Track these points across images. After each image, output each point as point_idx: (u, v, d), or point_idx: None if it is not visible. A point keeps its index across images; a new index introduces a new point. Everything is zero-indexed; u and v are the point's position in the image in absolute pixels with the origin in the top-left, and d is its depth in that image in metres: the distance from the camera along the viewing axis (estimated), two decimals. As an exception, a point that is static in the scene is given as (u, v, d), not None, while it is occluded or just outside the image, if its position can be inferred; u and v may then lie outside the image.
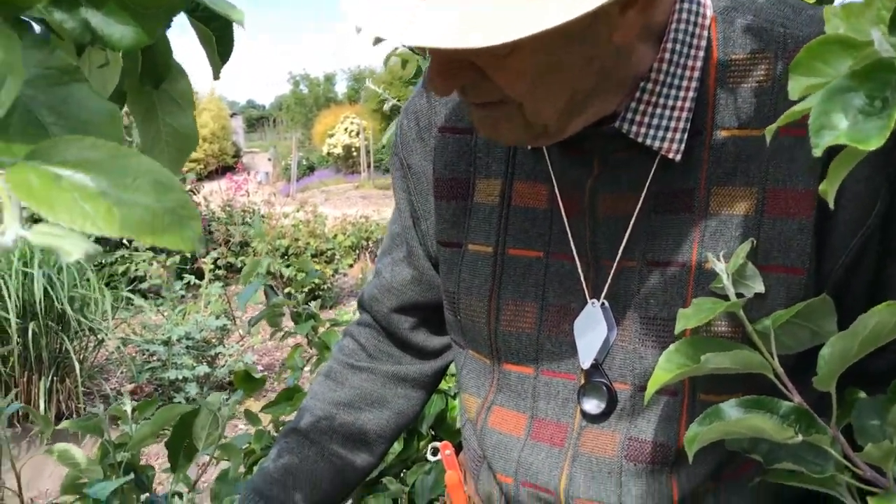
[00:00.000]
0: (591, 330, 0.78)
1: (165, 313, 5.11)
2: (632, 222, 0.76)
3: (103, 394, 4.41)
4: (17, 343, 3.93)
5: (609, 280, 0.78)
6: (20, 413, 3.95)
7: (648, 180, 0.75)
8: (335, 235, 7.53)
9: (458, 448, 1.00)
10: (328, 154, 23.22)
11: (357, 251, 8.14)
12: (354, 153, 21.64)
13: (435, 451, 0.99)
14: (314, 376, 1.22)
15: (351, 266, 7.62)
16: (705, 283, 0.73)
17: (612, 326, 0.78)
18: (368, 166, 20.19)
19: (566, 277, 0.80)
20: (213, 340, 4.75)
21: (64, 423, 1.15)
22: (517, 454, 0.82)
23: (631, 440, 0.77)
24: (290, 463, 0.94)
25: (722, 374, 0.66)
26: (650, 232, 0.76)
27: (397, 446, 1.45)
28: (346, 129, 22.09)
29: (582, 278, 0.79)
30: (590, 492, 0.78)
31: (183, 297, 5.85)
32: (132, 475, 1.06)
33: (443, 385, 1.51)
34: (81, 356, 4.35)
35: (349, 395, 0.99)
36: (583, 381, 0.79)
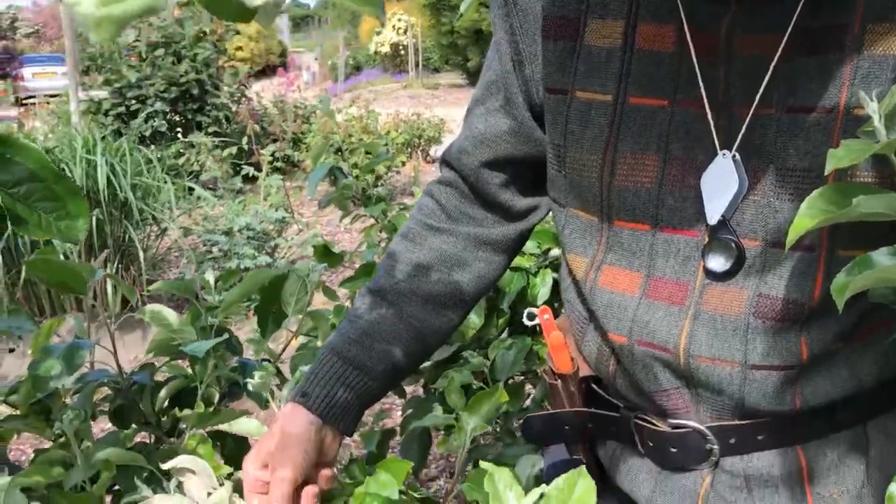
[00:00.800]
0: (721, 183, 0.73)
1: (224, 206, 5.16)
2: (772, 65, 0.70)
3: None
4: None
5: (743, 129, 0.72)
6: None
7: (794, 17, 0.68)
8: (388, 132, 7.47)
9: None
10: (375, 53, 22.91)
11: (409, 149, 8.09)
12: (402, 51, 21.30)
13: (531, 316, 0.95)
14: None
15: (403, 164, 7.58)
16: (852, 131, 0.67)
17: (744, 180, 0.72)
18: (416, 65, 19.89)
19: (693, 127, 0.75)
20: (273, 233, 4.80)
21: (155, 285, 1.16)
22: (632, 313, 0.79)
23: (760, 297, 0.73)
24: (369, 324, 0.91)
25: (867, 226, 0.61)
26: (793, 75, 0.70)
27: (477, 321, 1.44)
28: (393, 27, 21.68)
29: (712, 128, 0.74)
30: (712, 350, 0.75)
31: (240, 190, 5.90)
32: (226, 336, 1.06)
33: (523, 262, 1.48)
34: (145, 245, 4.43)
35: (428, 256, 0.94)
36: (707, 239, 0.75)
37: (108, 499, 1.05)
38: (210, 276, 1.25)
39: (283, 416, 0.87)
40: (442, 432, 1.57)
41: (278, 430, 0.85)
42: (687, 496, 0.79)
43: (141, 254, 4.21)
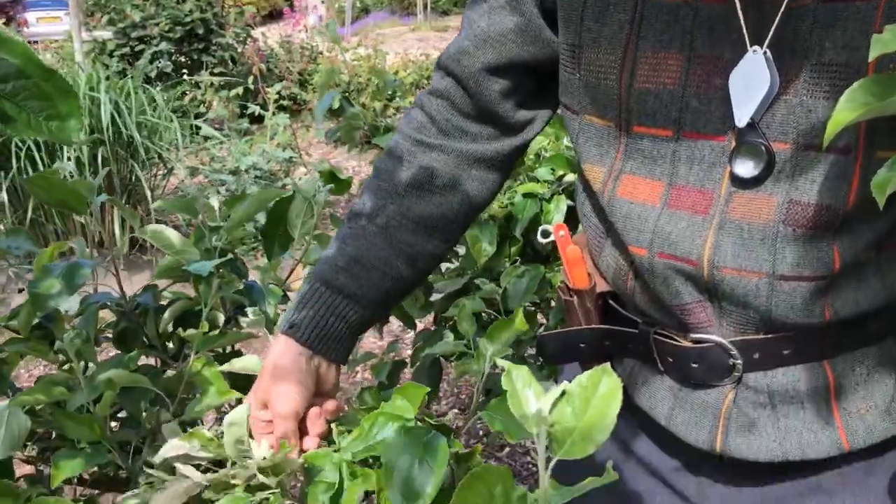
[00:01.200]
0: (750, 83, 0.68)
1: (231, 148, 5.10)
2: None
3: (175, 224, 4.49)
4: (90, 169, 3.96)
5: (775, 24, 0.67)
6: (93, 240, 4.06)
7: None
8: (396, 72, 7.35)
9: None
10: (383, -6, 22.51)
11: (417, 90, 7.98)
12: (411, -7, 20.91)
13: (546, 234, 0.91)
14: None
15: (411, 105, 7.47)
16: (895, 20, 0.62)
17: (775, 78, 0.68)
18: (425, 7, 19.52)
19: (719, 22, 0.70)
20: (280, 173, 4.75)
21: (158, 203, 1.12)
22: (652, 224, 0.75)
23: (791, 203, 0.69)
24: (357, 250, 0.86)
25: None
26: None
27: (489, 248, 1.40)
28: (401, -32, 21.24)
29: (742, 23, 0.69)
30: (738, 260, 0.71)
31: (247, 131, 5.83)
32: (230, 256, 1.03)
33: (537, 189, 1.44)
34: (151, 185, 4.39)
35: (417, 175, 0.87)
36: (734, 143, 0.71)
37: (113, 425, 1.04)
38: (214, 201, 1.21)
39: (273, 349, 0.83)
40: (454, 362, 1.55)
41: (270, 364, 0.82)
42: (708, 412, 0.77)
43: (148, 193, 4.18)
